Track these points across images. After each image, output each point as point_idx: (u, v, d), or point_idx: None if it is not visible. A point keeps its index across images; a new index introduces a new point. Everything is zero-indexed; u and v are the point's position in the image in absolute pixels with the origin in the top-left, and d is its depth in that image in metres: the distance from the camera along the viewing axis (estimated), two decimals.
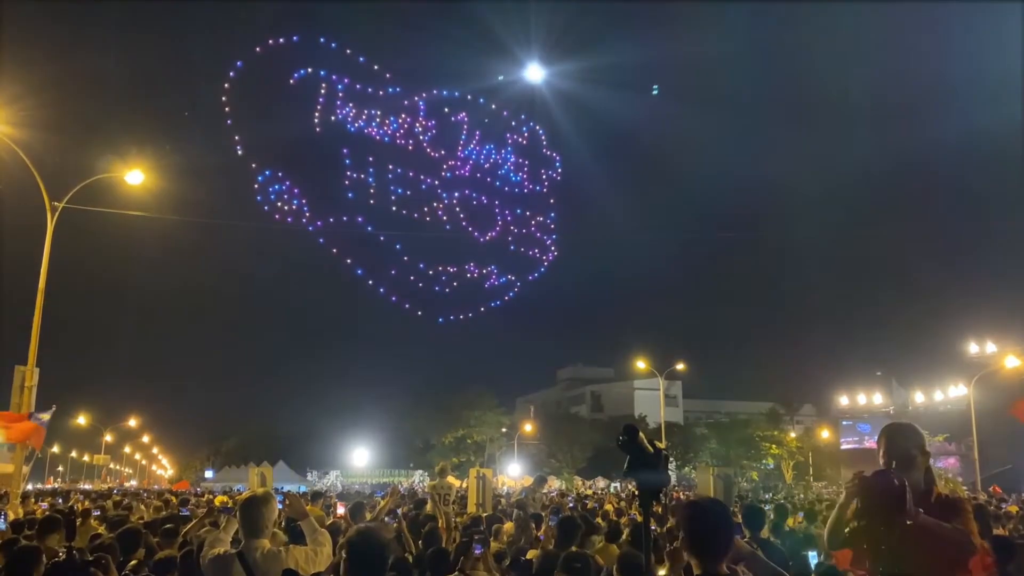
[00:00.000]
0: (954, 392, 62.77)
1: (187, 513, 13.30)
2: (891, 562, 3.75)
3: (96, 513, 12.98)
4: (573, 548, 6.71)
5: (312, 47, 31.16)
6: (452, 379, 70.90)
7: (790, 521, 11.64)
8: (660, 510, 12.70)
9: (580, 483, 57.41)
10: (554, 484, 49.80)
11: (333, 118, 30.80)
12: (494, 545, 8.54)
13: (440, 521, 9.61)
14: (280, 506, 6.20)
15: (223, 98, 28.52)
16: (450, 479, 15.35)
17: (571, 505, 18.04)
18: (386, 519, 8.89)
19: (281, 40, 30.12)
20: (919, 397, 69.24)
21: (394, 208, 31.89)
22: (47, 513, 10.43)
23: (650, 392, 71.89)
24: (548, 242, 35.99)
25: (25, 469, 18.29)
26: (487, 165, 34.98)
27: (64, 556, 6.15)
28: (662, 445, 3.82)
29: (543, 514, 11.66)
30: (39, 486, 57.78)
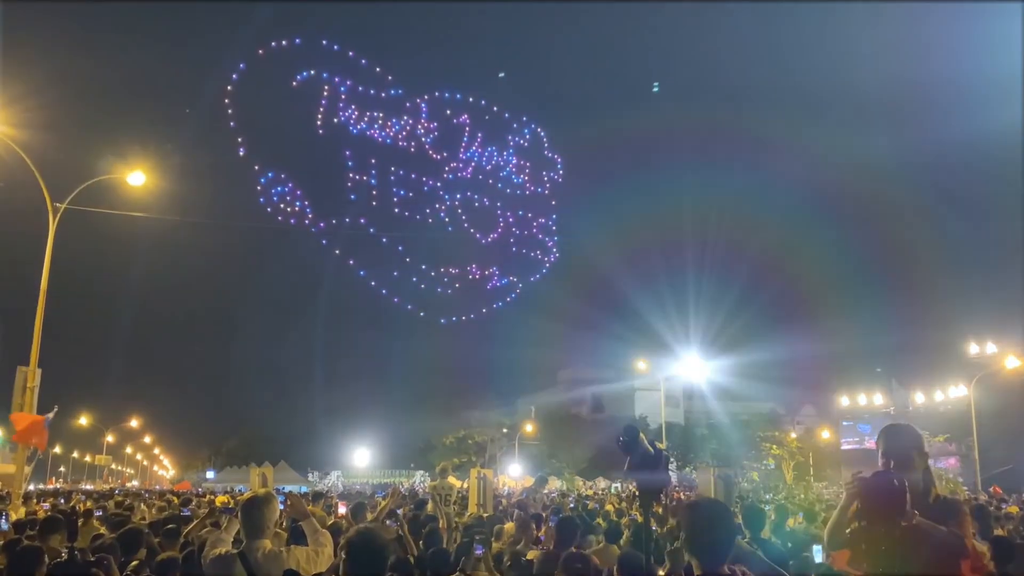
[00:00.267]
0: (954, 392, 62.73)
1: (188, 513, 13.32)
2: (890, 563, 3.75)
3: (98, 513, 13.00)
4: (572, 549, 6.71)
5: (314, 49, 31.23)
6: (453, 380, 70.89)
7: (791, 522, 11.64)
8: (661, 510, 12.71)
9: (581, 483, 57.41)
10: (555, 485, 49.82)
11: (335, 120, 30.86)
12: (495, 546, 8.55)
13: (441, 521, 9.62)
14: (282, 506, 6.22)
15: (226, 100, 28.59)
16: (451, 479, 15.36)
17: (571, 505, 18.06)
18: (388, 522, 8.90)
19: (283, 42, 30.20)
20: (919, 397, 69.21)
21: (396, 210, 31.95)
22: (49, 513, 10.45)
23: (651, 393, 71.87)
24: (550, 243, 36.01)
25: (27, 469, 18.31)
26: (489, 167, 35.01)
27: (66, 556, 6.17)
28: (662, 446, 3.85)
29: (544, 514, 11.68)
30: (41, 486, 57.78)
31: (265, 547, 5.19)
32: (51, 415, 18.48)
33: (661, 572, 5.88)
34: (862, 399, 74.26)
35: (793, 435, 69.75)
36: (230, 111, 28.86)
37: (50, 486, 65.56)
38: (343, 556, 3.94)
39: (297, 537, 6.14)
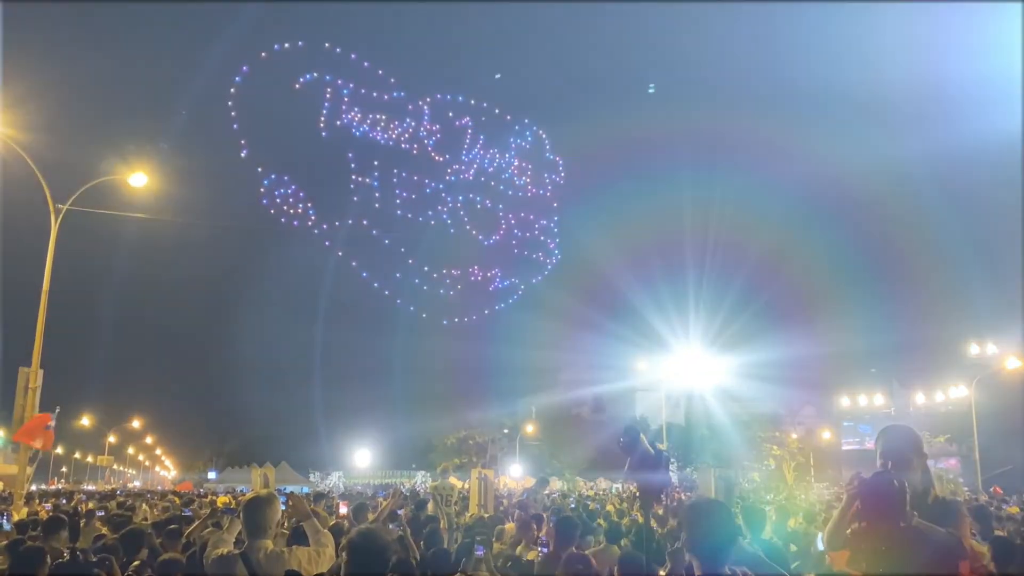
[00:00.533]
0: (955, 393, 62.68)
1: (189, 513, 13.35)
2: (889, 563, 3.76)
3: (100, 514, 13.02)
4: (573, 549, 6.73)
5: (317, 52, 31.31)
6: (454, 380, 70.83)
7: (792, 522, 11.64)
8: (661, 511, 12.72)
9: (582, 484, 57.42)
10: (556, 485, 49.84)
11: (338, 122, 30.95)
12: (496, 546, 8.57)
13: (442, 522, 9.64)
14: (283, 507, 6.23)
15: (229, 102, 28.66)
16: (452, 480, 15.41)
17: (572, 506, 18.08)
18: (391, 526, 8.92)
19: (286, 45, 30.28)
20: (920, 398, 69.18)
21: (399, 212, 32.04)
22: (51, 514, 10.46)
23: (651, 393, 71.85)
24: (551, 245, 36.09)
25: (29, 470, 18.33)
26: (491, 169, 35.11)
27: (68, 557, 6.19)
28: (663, 447, 3.86)
29: (544, 515, 11.69)
30: (43, 487, 57.80)
31: (267, 547, 5.21)
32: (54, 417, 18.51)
33: (662, 572, 5.89)
34: (863, 400, 74.22)
35: (794, 436, 69.70)
36: (233, 113, 28.97)
37: (52, 487, 65.60)
38: (345, 557, 3.96)
39: (298, 538, 6.16)
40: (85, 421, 71.24)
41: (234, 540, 5.54)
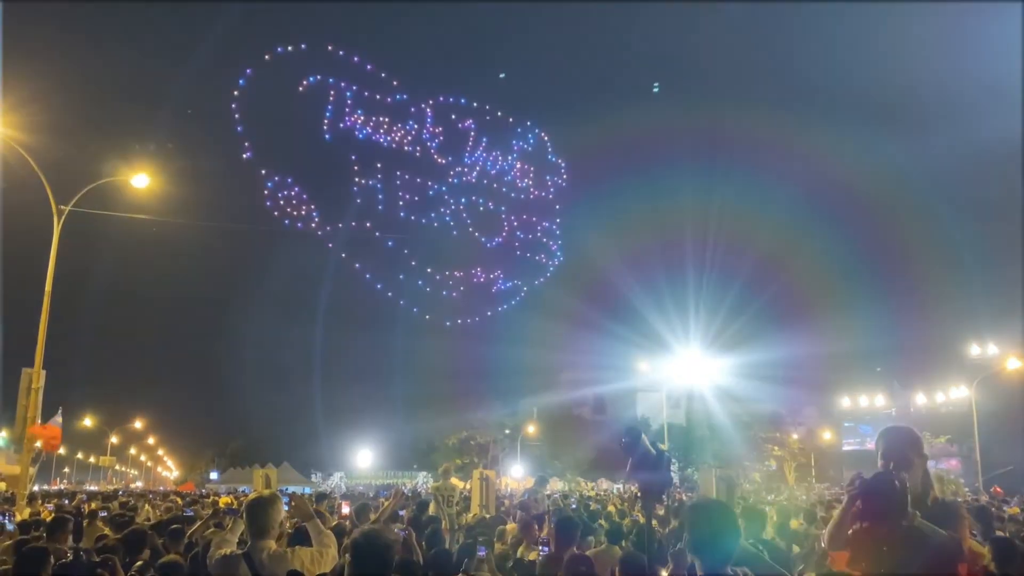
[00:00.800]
0: (956, 394, 62.67)
1: (191, 514, 13.38)
2: (890, 564, 3.78)
3: (103, 514, 13.05)
4: (574, 549, 6.75)
5: (320, 55, 31.40)
6: (455, 381, 70.86)
7: (794, 523, 11.66)
8: (663, 512, 12.73)
9: (585, 485, 57.42)
10: (557, 486, 49.83)
11: (341, 125, 31.04)
12: (498, 547, 8.59)
13: (444, 523, 9.65)
14: (286, 507, 6.26)
15: (232, 105, 28.73)
16: (453, 480, 15.39)
17: (573, 507, 18.08)
18: (396, 529, 8.94)
19: (289, 48, 30.37)
20: (921, 399, 69.15)
21: (402, 214, 32.12)
22: (55, 514, 10.49)
23: (652, 394, 71.85)
24: (553, 247, 36.16)
25: (32, 471, 18.37)
26: (494, 171, 35.20)
27: (71, 557, 6.23)
28: (664, 447, 3.88)
29: (546, 515, 11.70)
30: (45, 487, 57.90)
31: (270, 548, 5.23)
32: (57, 418, 18.55)
33: (664, 573, 5.91)
34: (863, 400, 74.22)
35: (794, 436, 69.75)
36: (237, 115, 29.04)
37: (54, 487, 65.68)
38: (348, 557, 3.98)
39: (300, 538, 6.18)
40: (87, 422, 71.32)
41: (237, 540, 5.56)
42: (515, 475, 58.41)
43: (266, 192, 29.47)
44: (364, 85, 31.68)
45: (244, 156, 29.00)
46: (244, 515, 5.44)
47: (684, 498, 21.90)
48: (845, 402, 75.77)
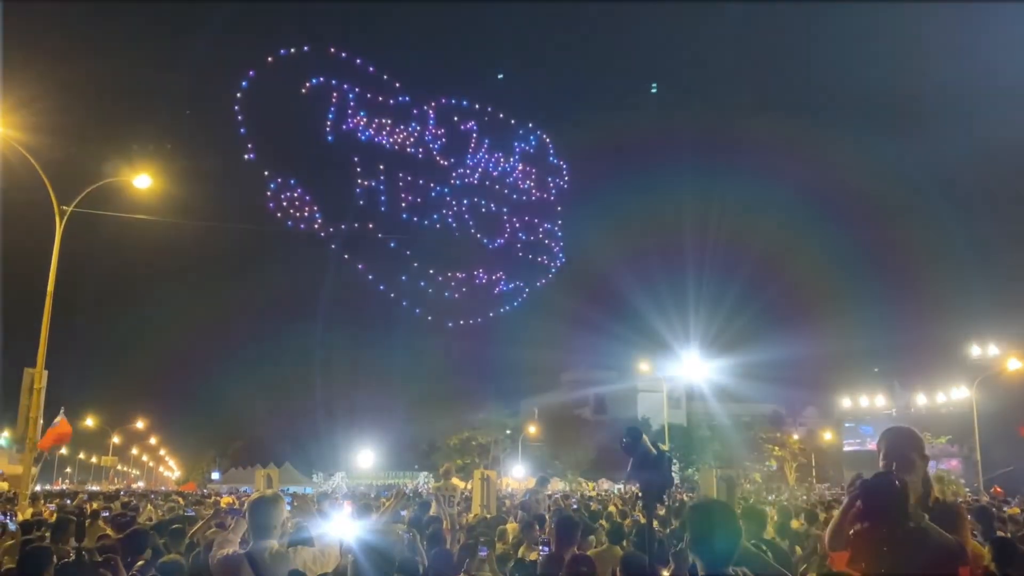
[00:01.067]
0: (956, 394, 62.63)
1: (192, 513, 13.40)
2: (890, 564, 3.78)
3: (105, 514, 13.08)
4: (575, 549, 6.76)
5: (323, 57, 31.51)
6: (456, 381, 70.86)
7: (795, 523, 11.67)
8: (664, 512, 12.74)
9: (584, 484, 57.44)
10: (558, 486, 49.85)
11: (344, 127, 31.15)
12: (499, 547, 8.61)
13: (445, 523, 9.67)
14: (289, 508, 6.27)
15: (236, 107, 28.82)
16: (455, 481, 15.42)
17: (574, 507, 18.09)
18: (401, 532, 8.96)
19: (292, 50, 30.49)
20: (921, 399, 69.10)
21: (404, 215, 32.22)
22: (56, 514, 10.52)
23: (653, 394, 71.90)
24: (555, 248, 36.27)
25: (34, 471, 18.38)
26: (496, 173, 35.32)
27: (74, 557, 6.25)
28: (665, 447, 3.89)
29: (547, 516, 11.71)
30: (47, 487, 57.98)
31: (272, 548, 5.24)
32: (59, 418, 18.57)
33: (665, 573, 5.93)
34: (864, 401, 74.18)
35: (795, 436, 69.75)
36: (240, 117, 29.14)
37: (56, 487, 65.77)
38: (351, 558, 4.00)
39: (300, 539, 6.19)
40: (89, 422, 71.30)
41: (239, 540, 5.58)
42: (516, 475, 58.43)
43: (269, 193, 29.58)
44: (366, 87, 31.81)
45: (247, 157, 29.10)
46: (247, 515, 5.46)
47: (685, 498, 21.93)
48: (846, 402, 75.74)
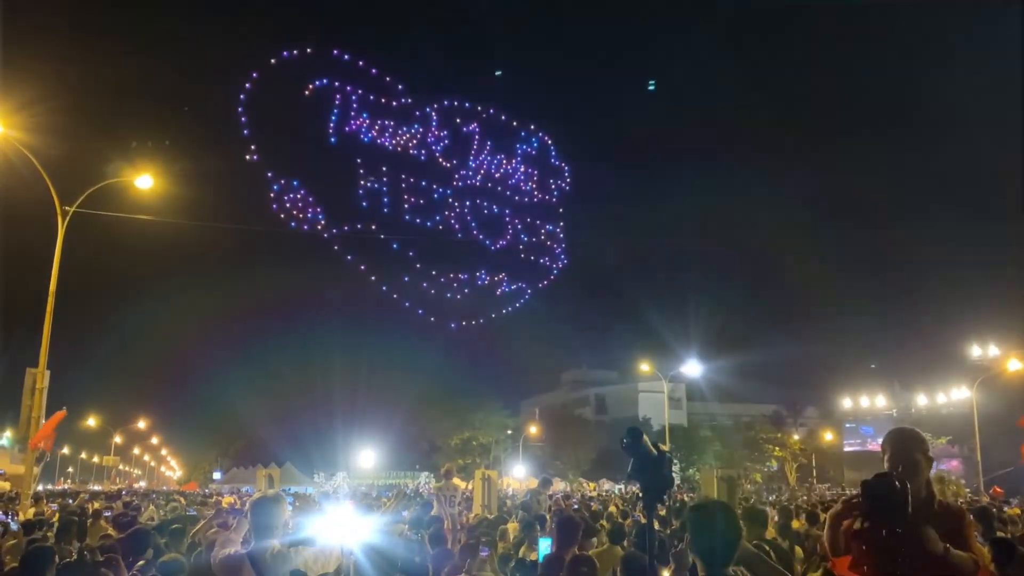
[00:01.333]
0: (957, 395, 62.58)
1: (194, 513, 13.43)
2: (892, 564, 3.78)
3: (107, 514, 13.11)
4: (575, 550, 6.78)
5: (325, 59, 31.63)
6: (458, 382, 70.84)
7: (796, 524, 11.68)
8: (664, 512, 12.76)
9: (585, 484, 57.45)
10: (559, 486, 49.86)
11: (346, 128, 31.28)
12: (500, 547, 8.63)
13: (446, 523, 9.69)
14: (290, 508, 6.29)
15: (239, 108, 28.92)
16: (456, 481, 15.43)
17: (575, 507, 18.10)
18: (408, 533, 8.98)
19: (295, 52, 30.61)
20: (922, 399, 69.05)
21: (407, 216, 32.35)
22: (58, 514, 10.55)
23: (654, 395, 71.92)
24: (557, 250, 36.40)
25: (36, 470, 18.38)
26: (498, 175, 35.47)
27: (76, 556, 6.27)
28: (666, 447, 3.91)
29: (547, 516, 11.73)
30: (49, 487, 58.07)
31: (274, 548, 5.25)
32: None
33: (666, 573, 5.94)
34: (864, 401, 74.12)
35: (796, 437, 69.72)
36: (243, 119, 29.26)
37: (58, 487, 65.85)
38: (353, 558, 4.02)
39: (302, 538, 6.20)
40: (91, 422, 71.40)
41: (241, 540, 5.59)
42: (517, 475, 58.42)
43: (272, 194, 29.67)
44: (369, 89, 31.96)
45: (250, 158, 29.20)
46: (248, 515, 5.48)
47: (685, 498, 21.97)
48: (846, 403, 75.71)
